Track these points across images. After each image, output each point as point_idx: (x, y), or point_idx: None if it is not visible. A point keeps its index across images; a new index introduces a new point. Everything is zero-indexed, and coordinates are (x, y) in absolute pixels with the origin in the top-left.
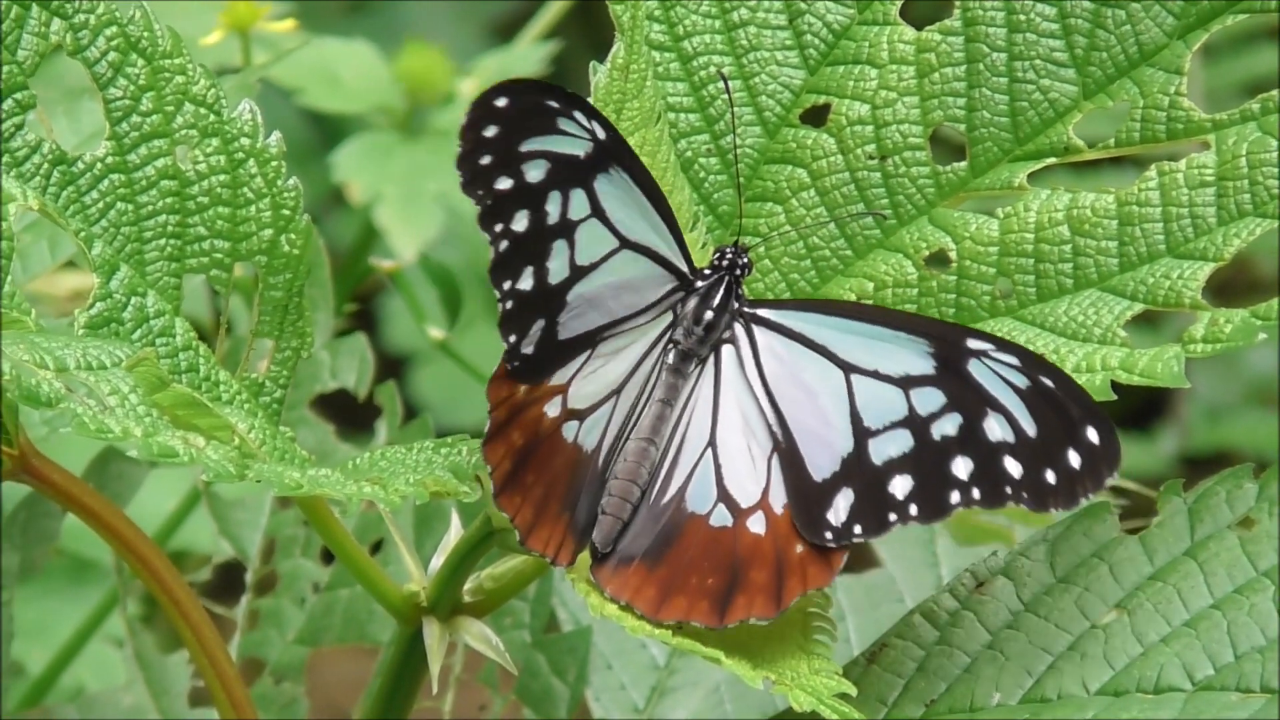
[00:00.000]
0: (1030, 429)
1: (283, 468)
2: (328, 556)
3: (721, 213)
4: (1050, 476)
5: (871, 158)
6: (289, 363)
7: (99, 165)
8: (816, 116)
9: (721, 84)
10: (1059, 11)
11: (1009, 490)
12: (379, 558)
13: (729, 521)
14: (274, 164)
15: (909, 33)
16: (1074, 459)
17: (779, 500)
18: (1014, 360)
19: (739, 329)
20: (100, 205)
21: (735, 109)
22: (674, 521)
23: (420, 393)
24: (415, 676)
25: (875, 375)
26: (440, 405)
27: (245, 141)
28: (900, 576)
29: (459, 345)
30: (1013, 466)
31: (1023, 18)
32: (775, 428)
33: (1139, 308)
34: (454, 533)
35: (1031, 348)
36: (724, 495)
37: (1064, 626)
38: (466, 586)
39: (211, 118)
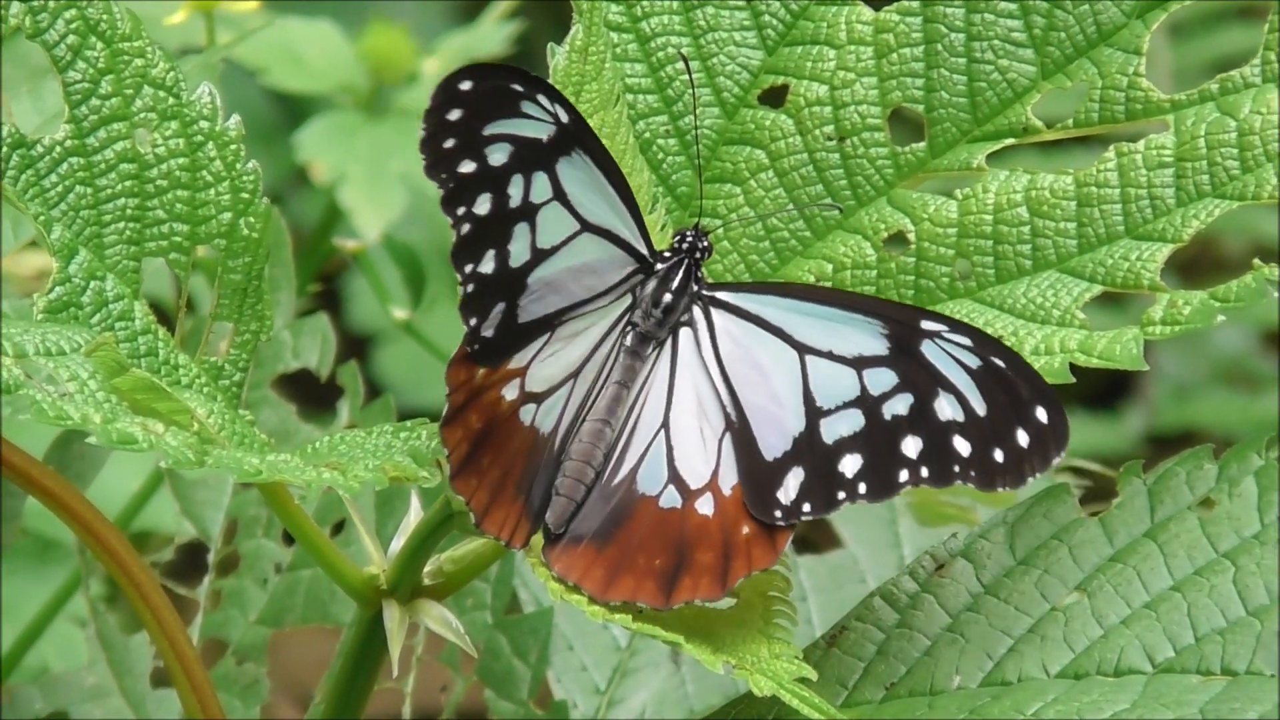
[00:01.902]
0: (980, 408)
1: (242, 453)
2: (290, 537)
3: (680, 194)
4: (999, 455)
5: (830, 139)
6: (248, 346)
7: (58, 148)
8: (775, 97)
9: (680, 65)
10: None
11: (957, 469)
12: (339, 539)
13: (678, 503)
14: (233, 147)
15: (867, 13)
16: (1022, 438)
17: (728, 482)
18: (966, 341)
19: (697, 311)
20: (59, 189)
21: (694, 90)
22: (624, 502)
23: (383, 373)
24: (376, 658)
25: (829, 356)
26: (403, 385)
27: (204, 124)
28: (863, 557)
29: (422, 325)
30: (962, 445)
31: None
32: (729, 409)
33: (1098, 289)
34: (414, 515)
35: (990, 330)
36: (674, 477)
37: (1024, 609)
38: (427, 569)
39: (171, 101)
